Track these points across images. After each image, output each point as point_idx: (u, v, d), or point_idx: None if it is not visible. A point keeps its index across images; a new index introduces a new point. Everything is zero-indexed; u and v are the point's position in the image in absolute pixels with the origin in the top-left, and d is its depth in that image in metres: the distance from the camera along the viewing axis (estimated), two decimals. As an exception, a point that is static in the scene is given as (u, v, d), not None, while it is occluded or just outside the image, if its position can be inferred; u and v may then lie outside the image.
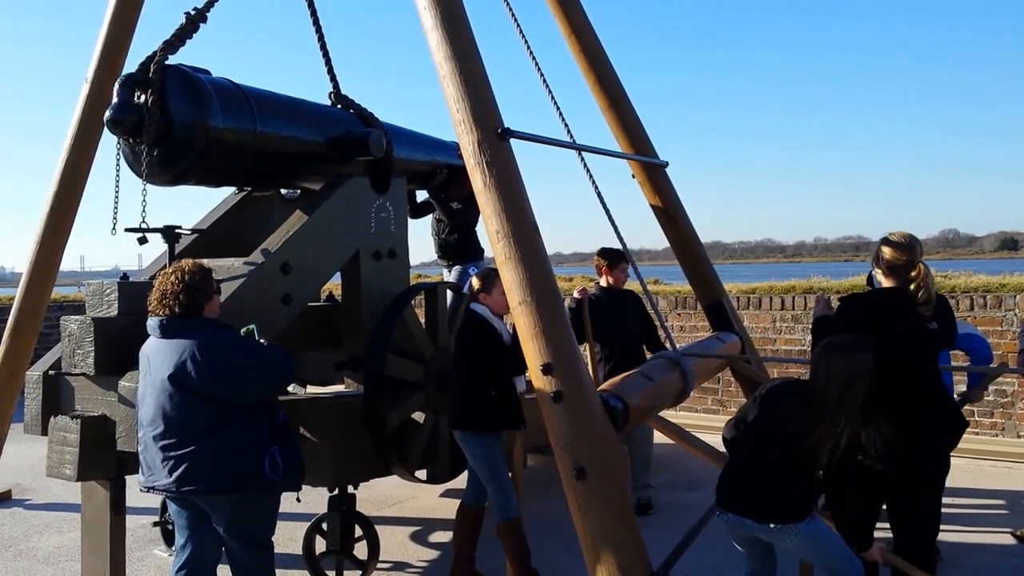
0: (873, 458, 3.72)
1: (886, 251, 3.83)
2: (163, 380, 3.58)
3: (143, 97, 4.52)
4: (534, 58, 5.36)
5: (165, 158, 4.58)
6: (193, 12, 4.91)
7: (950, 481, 3.95)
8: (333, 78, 5.73)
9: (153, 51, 4.69)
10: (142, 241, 4.62)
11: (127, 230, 4.74)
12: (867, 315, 3.78)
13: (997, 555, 5.23)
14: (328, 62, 5.70)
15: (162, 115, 4.51)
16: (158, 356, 3.65)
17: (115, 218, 4.74)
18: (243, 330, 3.86)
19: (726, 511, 3.52)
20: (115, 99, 4.51)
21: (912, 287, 3.73)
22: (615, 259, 6.27)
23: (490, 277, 4.76)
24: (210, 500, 3.66)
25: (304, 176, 5.46)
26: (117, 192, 4.73)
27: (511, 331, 4.60)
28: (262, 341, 3.88)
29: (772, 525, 3.40)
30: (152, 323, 3.72)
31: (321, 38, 5.69)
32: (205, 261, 4.71)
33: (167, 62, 4.64)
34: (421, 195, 7.34)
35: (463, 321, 4.80)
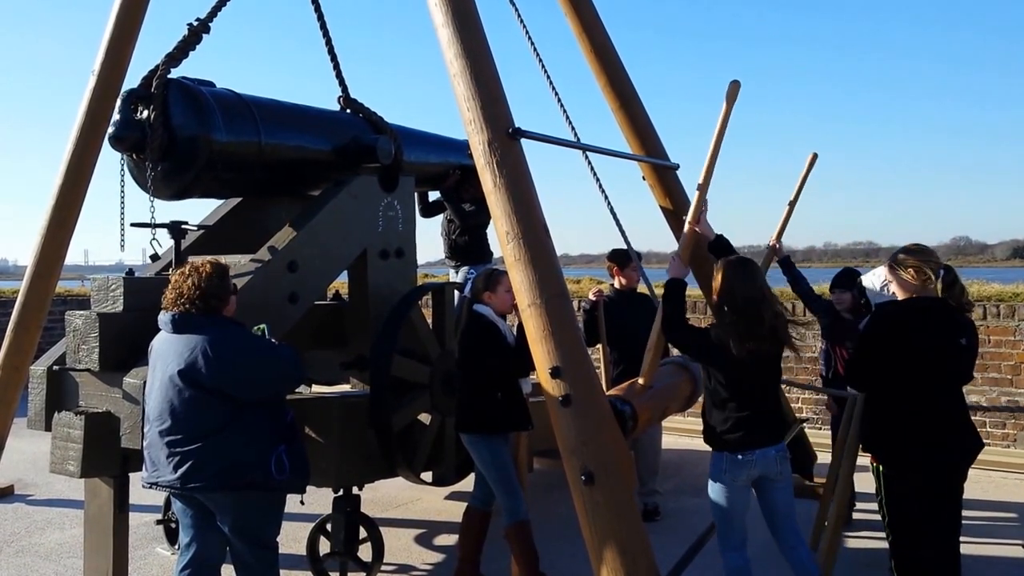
0: (900, 466, 3.75)
1: (923, 261, 3.77)
2: (172, 375, 3.55)
3: (145, 112, 4.51)
4: (539, 56, 5.32)
5: (169, 173, 4.60)
6: (196, 23, 4.88)
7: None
8: (342, 82, 5.69)
9: (155, 65, 4.67)
10: (130, 273, 4.58)
11: (132, 225, 4.72)
12: (903, 324, 3.74)
13: (1008, 567, 5.17)
14: (336, 66, 5.67)
15: (165, 130, 4.52)
16: (168, 351, 3.63)
17: (123, 237, 4.71)
18: (255, 329, 3.83)
19: (752, 449, 3.74)
20: (117, 115, 4.51)
21: (957, 292, 3.76)
22: (625, 260, 6.22)
23: (493, 276, 4.74)
24: (215, 498, 3.63)
25: (312, 184, 5.43)
26: (123, 210, 4.71)
27: (514, 332, 4.56)
28: (273, 340, 3.85)
29: (784, 443, 3.85)
30: (164, 318, 3.69)
31: (329, 42, 5.65)
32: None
33: (169, 75, 4.63)
34: (433, 194, 7.30)
35: (466, 323, 4.75)
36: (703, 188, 4.42)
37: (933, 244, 4.01)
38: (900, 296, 3.84)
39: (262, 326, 3.86)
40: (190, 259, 3.94)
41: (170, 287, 3.73)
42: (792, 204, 6.13)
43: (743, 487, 3.79)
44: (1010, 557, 5.31)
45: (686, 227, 4.43)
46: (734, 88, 4.36)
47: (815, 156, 6.02)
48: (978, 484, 6.80)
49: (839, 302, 5.76)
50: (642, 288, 6.21)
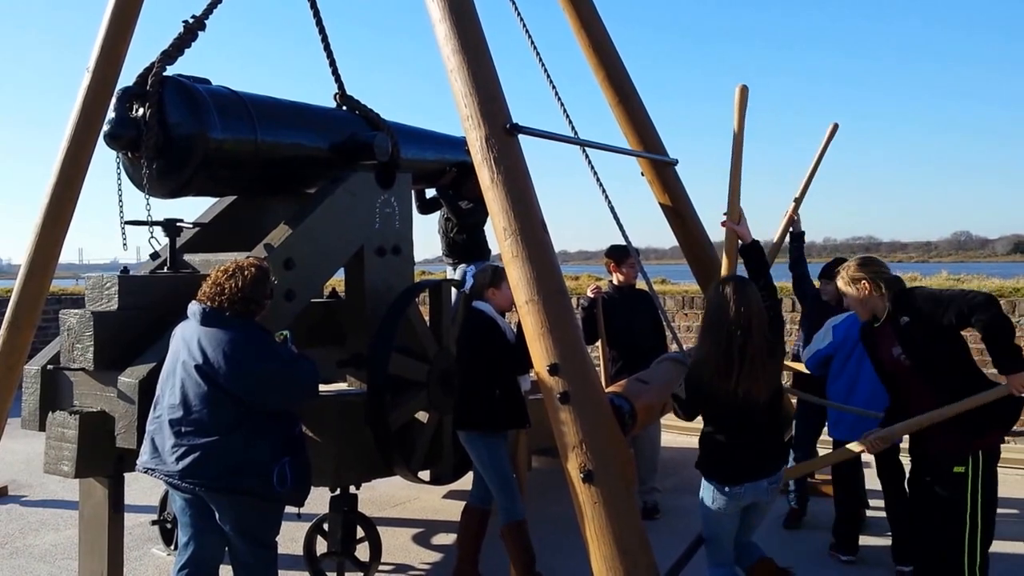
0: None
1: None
2: (191, 367, 3.56)
3: (140, 110, 4.48)
4: (537, 52, 5.28)
5: (164, 171, 4.57)
6: (191, 20, 4.85)
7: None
8: (338, 79, 5.66)
9: (151, 62, 4.64)
10: (125, 271, 4.53)
11: (129, 223, 4.68)
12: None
13: (1013, 565, 5.14)
14: (332, 62, 5.63)
15: (160, 128, 4.49)
16: (192, 341, 3.62)
17: (124, 236, 4.67)
18: (278, 335, 3.83)
19: (742, 483, 3.66)
20: (112, 113, 4.48)
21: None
22: (621, 256, 6.20)
23: (499, 272, 4.71)
24: (213, 497, 3.62)
25: (308, 182, 5.40)
26: (121, 208, 4.67)
27: (514, 329, 4.53)
28: (294, 350, 3.84)
29: (779, 474, 3.76)
30: (194, 308, 3.69)
31: (325, 38, 5.61)
32: (211, 256, 4.63)
33: (165, 73, 4.60)
34: (430, 191, 7.27)
35: (466, 320, 4.72)
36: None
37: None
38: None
39: (285, 333, 3.87)
40: (234, 258, 3.92)
41: (210, 281, 3.73)
42: (814, 170, 6.19)
43: (732, 514, 3.77)
44: (1015, 554, 5.29)
45: (723, 225, 4.43)
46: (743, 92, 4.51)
47: (836, 126, 6.04)
48: (980, 481, 6.76)
49: (825, 292, 5.84)
50: (641, 284, 6.18)
